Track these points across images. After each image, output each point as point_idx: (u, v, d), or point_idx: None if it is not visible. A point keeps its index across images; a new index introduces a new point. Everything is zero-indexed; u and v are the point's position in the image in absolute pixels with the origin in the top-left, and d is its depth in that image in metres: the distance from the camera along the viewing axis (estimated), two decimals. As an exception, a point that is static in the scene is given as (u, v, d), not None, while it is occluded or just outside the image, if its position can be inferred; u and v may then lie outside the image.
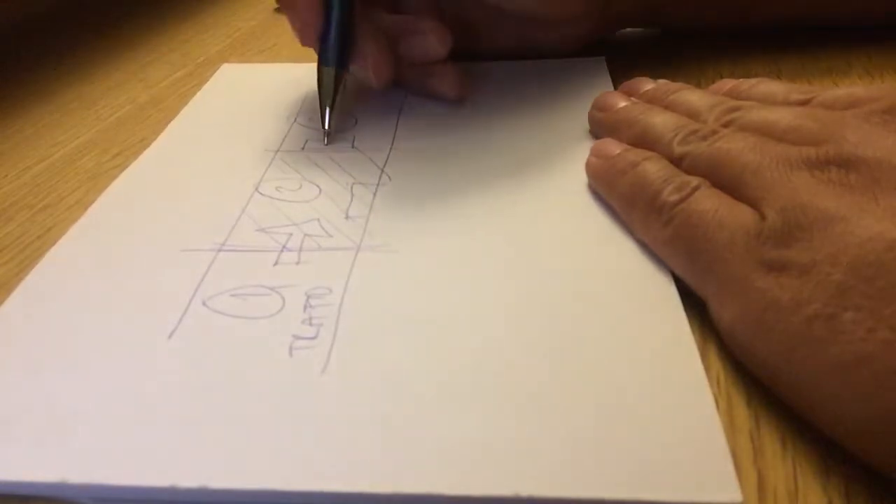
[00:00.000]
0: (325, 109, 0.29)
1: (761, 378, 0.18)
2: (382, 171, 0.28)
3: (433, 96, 0.32)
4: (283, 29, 0.31)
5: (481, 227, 0.24)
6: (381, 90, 0.31)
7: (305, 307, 0.21)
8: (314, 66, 0.30)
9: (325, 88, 0.29)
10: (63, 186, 0.29)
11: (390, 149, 0.29)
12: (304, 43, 0.29)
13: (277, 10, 0.30)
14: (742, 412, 0.18)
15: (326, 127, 0.29)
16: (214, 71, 0.38)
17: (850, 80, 0.32)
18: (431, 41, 0.30)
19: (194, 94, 0.35)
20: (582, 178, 0.25)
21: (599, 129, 0.28)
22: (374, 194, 0.26)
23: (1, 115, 0.37)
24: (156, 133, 0.32)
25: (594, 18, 0.33)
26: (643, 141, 0.24)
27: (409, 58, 0.31)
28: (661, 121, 0.24)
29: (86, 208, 0.26)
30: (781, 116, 0.21)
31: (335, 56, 0.29)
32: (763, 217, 0.18)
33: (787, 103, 0.23)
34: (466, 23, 0.33)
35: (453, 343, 0.19)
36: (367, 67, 0.30)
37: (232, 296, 0.21)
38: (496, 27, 0.34)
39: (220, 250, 0.24)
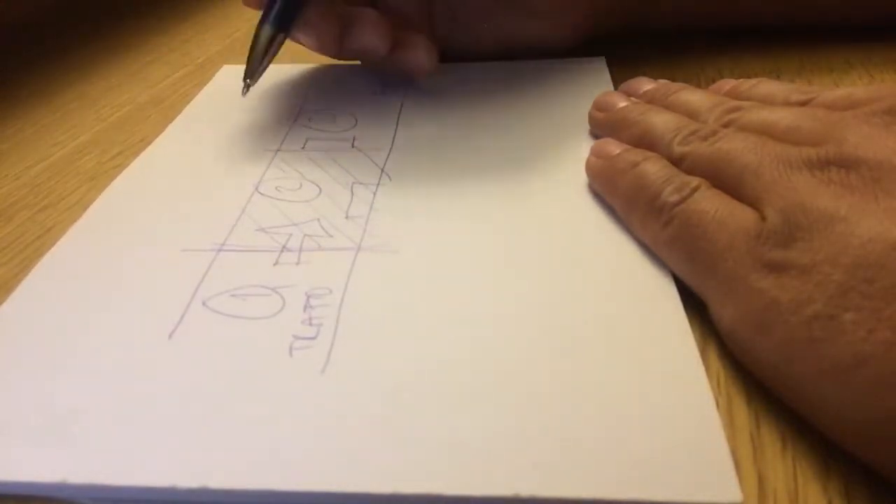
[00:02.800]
0: (255, 65, 0.29)
1: (761, 378, 0.18)
2: (382, 171, 0.28)
3: (402, 71, 0.32)
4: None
5: (481, 227, 0.24)
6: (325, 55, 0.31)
7: (305, 307, 0.21)
8: (314, 66, 0.30)
9: (259, 47, 0.29)
10: (63, 186, 0.29)
11: (390, 149, 0.29)
12: (247, 2, 0.29)
13: None
14: (742, 412, 0.18)
15: (249, 80, 0.29)
16: (214, 71, 0.38)
17: (850, 80, 0.32)
18: (420, 56, 0.30)
19: (194, 94, 0.35)
20: (582, 178, 0.26)
21: (599, 129, 0.28)
22: (374, 194, 0.26)
23: (1, 115, 0.37)
24: (156, 133, 0.32)
25: (591, 9, 0.33)
26: (643, 141, 0.24)
27: (394, 68, 0.31)
28: (661, 121, 0.24)
29: (86, 208, 0.26)
30: (782, 117, 0.21)
31: (276, 17, 0.28)
32: (763, 217, 0.18)
33: (788, 103, 0.23)
34: (456, 15, 0.33)
35: (453, 343, 0.19)
36: (312, 36, 0.29)
37: (232, 296, 0.21)
38: (491, 21, 0.33)
39: (220, 250, 0.24)
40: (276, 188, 0.27)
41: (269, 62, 0.29)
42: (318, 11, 0.29)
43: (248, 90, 0.29)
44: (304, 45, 0.30)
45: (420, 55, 0.31)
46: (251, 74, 0.29)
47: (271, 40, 0.29)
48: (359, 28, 0.30)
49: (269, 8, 0.28)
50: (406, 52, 0.31)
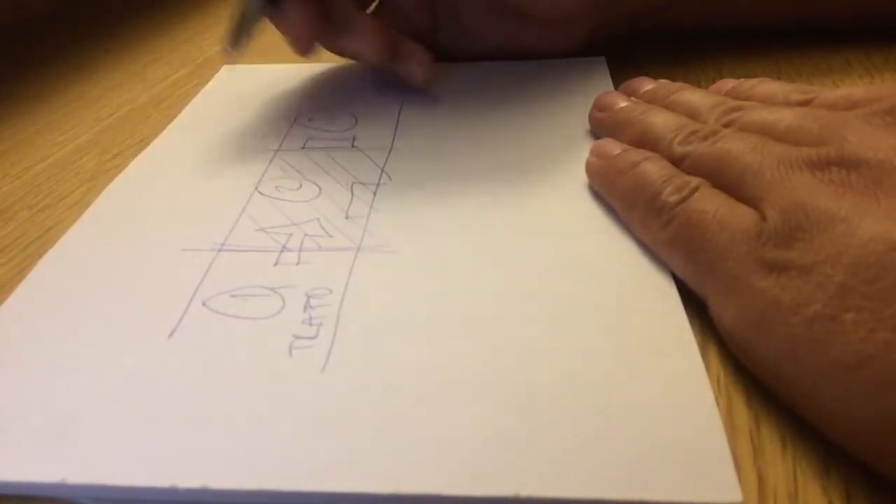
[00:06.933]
0: (241, 33, 0.28)
1: (761, 378, 0.18)
2: (382, 170, 0.28)
3: (399, 79, 0.32)
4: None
5: (481, 227, 0.24)
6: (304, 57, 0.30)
7: (305, 307, 0.21)
8: (314, 66, 0.30)
9: (248, 13, 0.28)
10: (63, 186, 0.29)
11: (390, 149, 0.29)
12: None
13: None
14: (742, 412, 0.18)
15: (231, 48, 0.28)
16: (214, 71, 0.38)
17: (850, 80, 0.32)
18: (413, 69, 0.30)
19: (194, 94, 0.35)
20: (582, 178, 0.25)
21: (599, 129, 0.28)
22: (374, 194, 0.26)
23: (1, 115, 0.37)
24: (156, 133, 0.32)
25: (593, 19, 0.33)
26: (643, 141, 0.24)
27: (393, 75, 0.31)
28: (661, 121, 0.24)
29: (86, 208, 0.26)
30: (782, 117, 0.21)
31: None
32: (764, 217, 0.18)
33: (788, 103, 0.23)
34: (459, 18, 0.33)
35: (453, 343, 0.19)
36: (288, 34, 0.29)
37: (232, 296, 0.21)
38: (493, 25, 0.33)
39: (220, 250, 0.24)
40: (276, 188, 0.27)
41: (254, 35, 0.28)
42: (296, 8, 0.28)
43: (230, 58, 0.28)
44: (282, 34, 0.30)
45: (413, 67, 0.31)
46: (234, 43, 0.28)
47: (260, 11, 0.28)
48: (351, 34, 0.30)
49: None
50: (401, 64, 0.31)
